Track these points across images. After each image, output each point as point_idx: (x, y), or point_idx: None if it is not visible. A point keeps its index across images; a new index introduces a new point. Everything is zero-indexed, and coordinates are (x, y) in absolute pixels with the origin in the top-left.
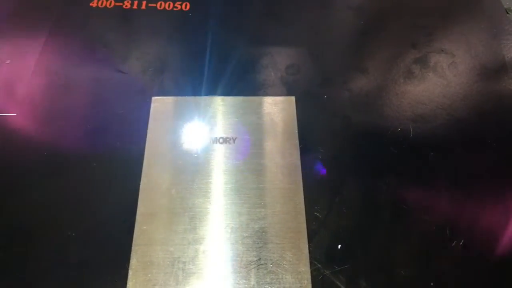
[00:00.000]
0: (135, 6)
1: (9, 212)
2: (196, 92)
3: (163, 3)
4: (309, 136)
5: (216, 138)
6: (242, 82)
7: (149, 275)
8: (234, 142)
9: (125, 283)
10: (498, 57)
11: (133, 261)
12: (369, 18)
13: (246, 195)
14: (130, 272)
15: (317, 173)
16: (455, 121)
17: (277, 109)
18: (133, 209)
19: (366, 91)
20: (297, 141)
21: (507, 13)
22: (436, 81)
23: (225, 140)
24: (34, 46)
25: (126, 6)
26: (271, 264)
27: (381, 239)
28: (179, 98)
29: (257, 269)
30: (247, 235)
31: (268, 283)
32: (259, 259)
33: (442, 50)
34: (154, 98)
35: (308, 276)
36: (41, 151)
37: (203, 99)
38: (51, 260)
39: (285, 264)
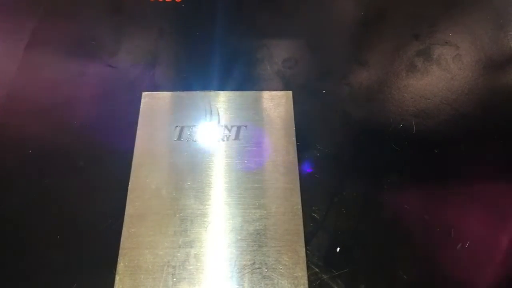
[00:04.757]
0: None
1: None
2: (188, 87)
3: None
4: (307, 132)
5: (209, 135)
6: (237, 76)
7: (137, 281)
8: (227, 139)
9: None
10: (505, 49)
11: (120, 266)
12: (369, 8)
13: (241, 195)
14: (117, 277)
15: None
16: (459, 116)
17: (273, 104)
18: (121, 210)
19: (366, 85)
20: (294, 138)
21: None
22: (440, 75)
23: (219, 138)
24: (20, 39)
25: None
26: (266, 268)
27: (382, 242)
28: (171, 93)
29: (251, 274)
30: (241, 237)
31: None
32: (254, 263)
33: (446, 42)
34: (144, 93)
35: (305, 281)
36: (25, 149)
37: (196, 94)
38: (34, 264)
39: (281, 269)
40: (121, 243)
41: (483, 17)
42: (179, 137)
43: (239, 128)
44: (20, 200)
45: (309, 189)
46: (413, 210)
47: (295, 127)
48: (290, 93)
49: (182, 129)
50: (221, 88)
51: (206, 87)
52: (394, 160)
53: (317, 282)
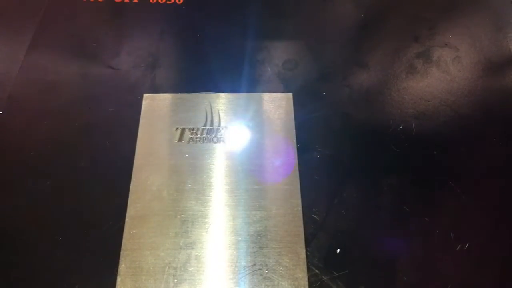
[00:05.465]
0: (126, 0)
1: None
2: (189, 89)
3: None
4: (307, 134)
5: (210, 137)
6: (238, 78)
7: (139, 282)
8: (228, 141)
9: None
10: (504, 51)
11: (122, 267)
12: (369, 11)
13: (241, 197)
14: (119, 279)
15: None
16: (459, 118)
17: (273, 106)
18: (122, 212)
19: (366, 87)
20: (294, 140)
21: None
22: (440, 77)
23: (219, 139)
24: (22, 41)
25: None
26: (267, 269)
27: (381, 243)
28: (172, 95)
29: (252, 275)
30: (241, 239)
31: None
32: (254, 264)
33: (446, 44)
34: (145, 95)
35: (305, 282)
36: (27, 150)
37: (197, 96)
38: (35, 265)
39: (281, 270)
40: (122, 244)
41: (483, 19)
42: (180, 139)
43: (239, 129)
44: (22, 201)
45: (309, 191)
46: (412, 212)
47: (295, 128)
48: (290, 95)
49: (183, 130)
50: (222, 90)
51: (206, 89)
52: (394, 161)
53: (318, 284)
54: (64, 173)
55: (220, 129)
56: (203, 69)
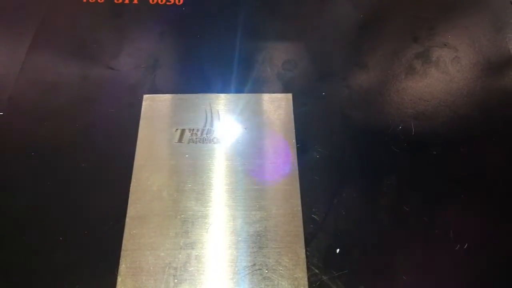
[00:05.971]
0: (126, 1)
1: None
2: (189, 90)
3: None
4: (307, 134)
5: (210, 137)
6: (237, 79)
7: (139, 282)
8: (228, 141)
9: None
10: (503, 52)
11: (122, 267)
12: (368, 11)
13: (241, 197)
14: (119, 279)
15: None
16: (458, 118)
17: (273, 106)
18: (122, 212)
19: (365, 87)
20: (294, 140)
21: None
22: (439, 77)
23: (219, 140)
24: (22, 42)
25: (118, 0)
26: (267, 269)
27: (381, 243)
28: (172, 96)
29: (252, 275)
30: (241, 239)
31: None
32: (254, 264)
33: (445, 44)
34: (145, 96)
35: (305, 282)
36: (28, 151)
37: (197, 97)
38: (36, 266)
39: (281, 270)
40: (123, 244)
41: (482, 20)
42: (180, 139)
43: (239, 130)
44: (22, 202)
45: (309, 191)
46: (412, 212)
47: (295, 129)
48: (290, 95)
49: (183, 131)
50: (222, 90)
51: (206, 89)
52: (393, 161)
53: (317, 283)
54: (65, 173)
55: (220, 129)
56: (203, 70)
